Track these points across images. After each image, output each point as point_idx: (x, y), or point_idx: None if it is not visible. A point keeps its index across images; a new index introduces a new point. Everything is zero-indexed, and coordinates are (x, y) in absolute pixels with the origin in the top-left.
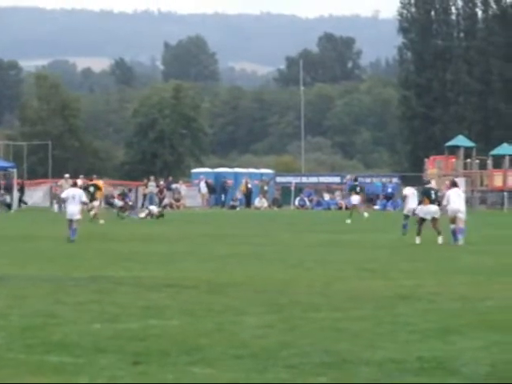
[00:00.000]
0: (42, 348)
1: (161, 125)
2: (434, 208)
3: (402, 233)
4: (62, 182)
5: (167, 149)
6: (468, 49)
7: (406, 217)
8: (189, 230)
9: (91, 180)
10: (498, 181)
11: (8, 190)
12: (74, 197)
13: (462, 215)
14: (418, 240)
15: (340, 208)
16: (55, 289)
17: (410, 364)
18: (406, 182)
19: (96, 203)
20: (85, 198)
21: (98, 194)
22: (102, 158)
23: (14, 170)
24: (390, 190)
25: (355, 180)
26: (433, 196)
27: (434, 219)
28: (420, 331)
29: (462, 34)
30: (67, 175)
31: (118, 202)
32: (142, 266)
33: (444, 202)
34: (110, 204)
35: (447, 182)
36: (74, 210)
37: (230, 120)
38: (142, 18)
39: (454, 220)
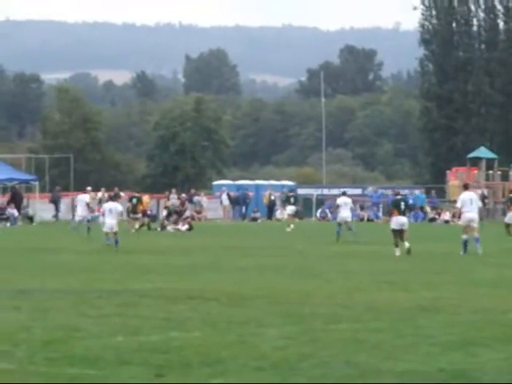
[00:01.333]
0: (64, 361)
1: (182, 137)
2: (403, 219)
3: (336, 239)
4: (99, 195)
5: (188, 161)
6: (489, 60)
7: (339, 224)
8: (210, 242)
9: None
10: None
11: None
12: (110, 210)
13: (475, 224)
14: (397, 252)
15: (361, 220)
16: (78, 302)
17: (431, 376)
18: (428, 193)
19: (138, 215)
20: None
21: (141, 207)
22: (123, 170)
23: (36, 183)
24: (411, 202)
25: (291, 191)
26: (402, 207)
27: (402, 231)
28: (441, 343)
29: (483, 46)
30: (89, 188)
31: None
32: (164, 278)
33: (458, 205)
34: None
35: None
36: (111, 222)
37: (252, 132)
38: (163, 31)
39: (466, 230)
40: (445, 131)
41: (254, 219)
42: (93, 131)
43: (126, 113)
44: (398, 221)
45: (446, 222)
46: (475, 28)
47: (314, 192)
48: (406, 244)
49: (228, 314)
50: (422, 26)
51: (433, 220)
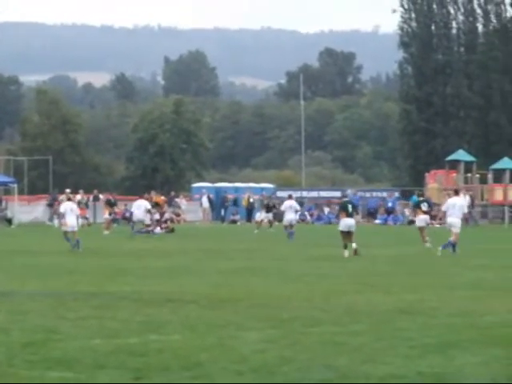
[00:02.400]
0: (43, 364)
1: (161, 139)
2: (350, 221)
3: (289, 241)
4: (62, 197)
5: (168, 163)
6: (468, 63)
7: (286, 227)
8: (189, 244)
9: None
10: (498, 195)
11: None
12: (72, 209)
13: (454, 229)
14: (345, 253)
15: None
16: (56, 304)
17: (410, 379)
18: (406, 196)
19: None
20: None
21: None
22: (102, 172)
23: (15, 185)
24: (390, 205)
25: (269, 197)
26: (349, 209)
27: (350, 232)
28: (420, 346)
29: (462, 49)
30: (68, 190)
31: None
32: (142, 280)
33: (443, 209)
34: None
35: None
36: (73, 222)
37: (231, 134)
38: (142, 34)
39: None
40: (424, 134)
41: (234, 222)
42: (72, 133)
43: (106, 115)
44: (346, 223)
45: None
46: (454, 31)
47: (293, 194)
48: (354, 245)
49: (207, 317)
50: (401, 28)
51: (412, 223)
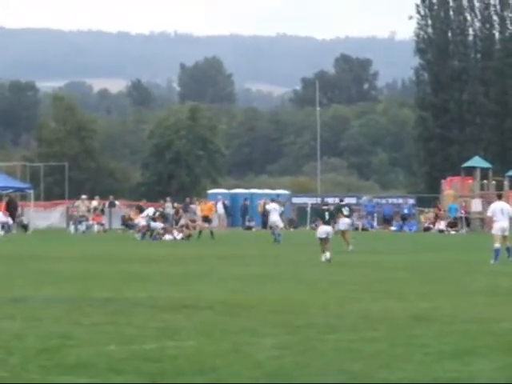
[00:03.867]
0: (57, 369)
1: (177, 146)
2: (327, 228)
3: (276, 242)
4: (78, 202)
5: (183, 170)
6: (485, 70)
7: (271, 227)
8: (204, 250)
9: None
10: None
11: None
12: None
13: (506, 233)
14: (323, 258)
15: (356, 229)
16: (71, 310)
17: None
18: (422, 203)
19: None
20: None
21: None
22: (118, 178)
23: (31, 191)
24: (405, 211)
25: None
26: (326, 217)
27: (326, 239)
28: (436, 353)
29: (478, 55)
30: (84, 196)
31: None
32: (158, 286)
33: (489, 214)
34: (127, 226)
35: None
36: None
37: (246, 141)
38: (158, 40)
39: (498, 238)
40: (440, 141)
41: (249, 228)
42: (87, 139)
43: (121, 121)
44: (323, 229)
45: (441, 231)
46: (471, 37)
47: (308, 201)
48: (327, 254)
49: (222, 323)
50: (418, 35)
51: (427, 229)
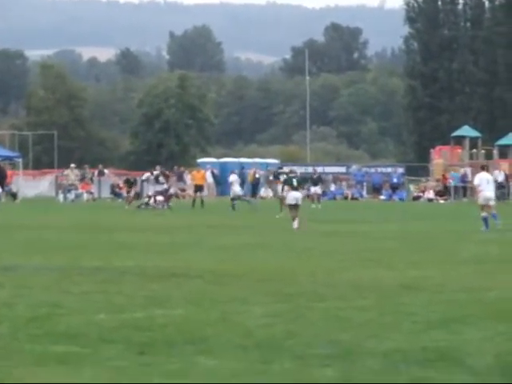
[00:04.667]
0: (47, 338)
1: (166, 115)
2: (297, 194)
3: (232, 209)
4: (67, 171)
5: (173, 139)
6: (474, 39)
7: (233, 199)
8: (193, 219)
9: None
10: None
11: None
12: None
13: (492, 202)
14: (295, 224)
15: (346, 198)
16: (60, 279)
17: (414, 354)
18: (411, 172)
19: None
20: None
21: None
22: (107, 147)
23: (20, 160)
24: (395, 181)
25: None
26: (294, 183)
27: (296, 205)
28: (424, 322)
29: (468, 24)
30: (73, 165)
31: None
32: (147, 255)
33: (476, 182)
34: (116, 194)
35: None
36: None
37: (236, 110)
38: (147, 8)
39: (483, 207)
40: (429, 110)
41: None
42: (77, 108)
43: (111, 90)
44: (293, 195)
45: (430, 200)
46: (460, 6)
47: (297, 170)
48: (296, 221)
49: (212, 292)
50: (408, 3)
51: (417, 198)
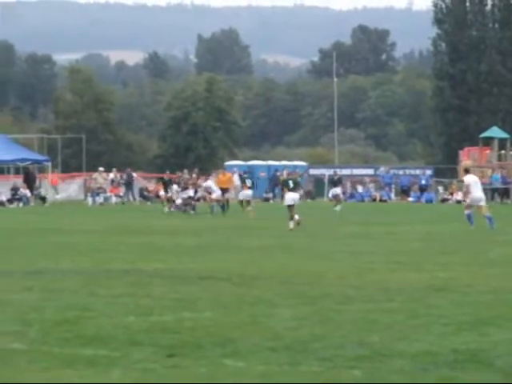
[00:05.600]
0: (76, 341)
1: (194, 118)
2: (294, 195)
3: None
4: (96, 175)
5: (200, 142)
6: (502, 39)
7: (218, 201)
8: (221, 222)
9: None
10: None
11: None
12: None
13: (483, 203)
14: (291, 225)
15: (374, 200)
16: (89, 282)
17: (444, 356)
18: (440, 174)
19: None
20: None
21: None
22: (135, 151)
23: (49, 164)
24: (423, 182)
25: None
26: (291, 185)
27: (293, 206)
28: (454, 323)
29: (496, 25)
30: (101, 168)
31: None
32: (175, 258)
33: (464, 189)
34: (144, 197)
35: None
36: None
37: (263, 112)
38: (175, 11)
39: (469, 207)
40: (457, 111)
41: (266, 200)
42: (105, 111)
43: (138, 93)
44: (290, 196)
45: (458, 202)
46: (489, 7)
47: (325, 172)
48: (296, 216)
49: (239, 294)
50: (435, 5)
51: (445, 200)
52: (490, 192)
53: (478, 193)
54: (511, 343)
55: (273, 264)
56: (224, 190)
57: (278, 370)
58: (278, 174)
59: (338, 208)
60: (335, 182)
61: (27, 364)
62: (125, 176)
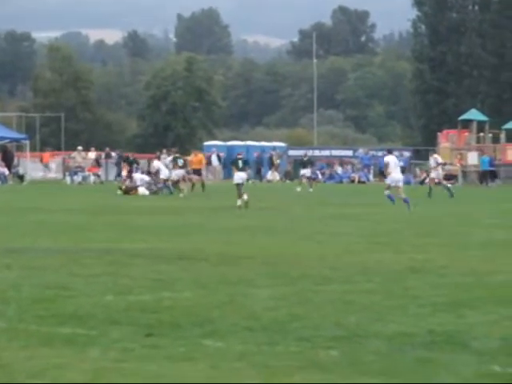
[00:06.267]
0: (53, 320)
1: (173, 97)
2: (242, 174)
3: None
4: (74, 154)
5: (180, 121)
6: (482, 22)
7: (165, 181)
8: (200, 203)
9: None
10: (510, 155)
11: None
12: None
13: (401, 184)
14: (239, 202)
15: (352, 181)
16: (68, 261)
17: (420, 337)
18: (419, 156)
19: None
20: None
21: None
22: (114, 130)
23: (27, 142)
24: (402, 164)
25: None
26: (240, 165)
27: (241, 184)
28: (430, 305)
29: (476, 7)
30: (80, 147)
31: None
32: (154, 238)
33: (386, 169)
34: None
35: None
36: None
37: (243, 93)
38: None
39: (389, 187)
40: (437, 93)
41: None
42: (84, 90)
43: (118, 72)
44: (238, 176)
45: (437, 184)
46: None
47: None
48: (245, 196)
49: (218, 275)
50: None
51: (423, 182)
52: (477, 174)
53: (397, 174)
54: (488, 325)
55: (253, 244)
56: (196, 171)
57: (257, 349)
58: (268, 155)
59: (298, 189)
60: (304, 163)
61: (6, 342)
62: (103, 155)
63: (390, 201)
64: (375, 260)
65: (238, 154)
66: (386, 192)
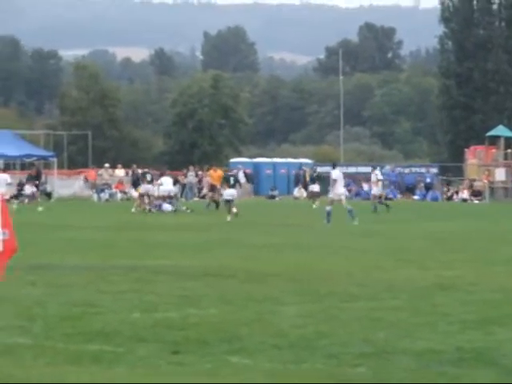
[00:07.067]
0: (81, 337)
1: (200, 115)
2: (232, 191)
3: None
4: (101, 171)
5: (206, 139)
6: (509, 38)
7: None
8: (226, 218)
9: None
10: None
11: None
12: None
13: (343, 197)
14: (228, 218)
15: (380, 198)
16: (95, 278)
17: (449, 354)
18: (445, 172)
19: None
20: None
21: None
22: (141, 147)
23: (55, 160)
24: (428, 180)
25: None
26: (232, 181)
27: (231, 201)
28: (459, 322)
29: (503, 24)
30: (107, 165)
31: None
32: (180, 254)
33: (333, 178)
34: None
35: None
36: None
37: (269, 110)
38: (181, 8)
39: (332, 202)
40: (463, 110)
41: (272, 197)
42: (111, 108)
43: (144, 90)
44: (228, 192)
45: (464, 200)
46: (495, 6)
47: (331, 170)
48: (234, 209)
49: (245, 291)
50: (442, 3)
51: (450, 198)
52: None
53: (341, 188)
54: None
55: (279, 261)
56: (213, 188)
57: (283, 367)
58: (301, 171)
59: (315, 205)
60: (313, 179)
61: (32, 359)
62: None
63: (327, 218)
64: (402, 277)
65: (230, 172)
66: (328, 208)
